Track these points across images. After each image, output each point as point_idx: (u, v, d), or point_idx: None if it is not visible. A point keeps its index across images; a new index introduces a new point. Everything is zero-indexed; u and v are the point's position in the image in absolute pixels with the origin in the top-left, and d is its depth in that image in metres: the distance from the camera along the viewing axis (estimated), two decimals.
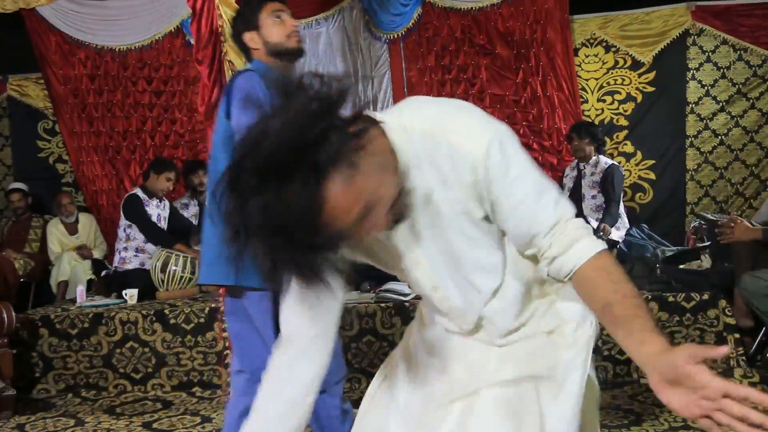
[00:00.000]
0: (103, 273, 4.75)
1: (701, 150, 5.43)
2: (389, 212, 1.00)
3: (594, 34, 5.48)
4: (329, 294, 1.10)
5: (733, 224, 3.21)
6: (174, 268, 4.25)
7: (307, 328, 1.18)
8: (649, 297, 3.45)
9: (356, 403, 1.65)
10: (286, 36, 2.21)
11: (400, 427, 1.28)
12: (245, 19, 2.25)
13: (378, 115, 1.07)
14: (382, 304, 3.64)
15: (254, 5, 2.25)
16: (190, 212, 5.12)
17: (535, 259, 1.17)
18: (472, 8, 5.44)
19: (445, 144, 1.05)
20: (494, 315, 1.22)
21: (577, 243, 1.10)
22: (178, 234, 4.63)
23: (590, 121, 5.32)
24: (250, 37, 2.25)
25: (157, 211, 4.63)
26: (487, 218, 1.13)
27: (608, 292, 1.06)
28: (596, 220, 4.61)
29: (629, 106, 5.48)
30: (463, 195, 1.08)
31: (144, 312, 3.88)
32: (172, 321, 3.83)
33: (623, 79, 5.47)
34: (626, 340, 1.03)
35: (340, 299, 1.19)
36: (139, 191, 4.60)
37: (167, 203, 4.74)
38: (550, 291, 1.27)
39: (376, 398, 1.36)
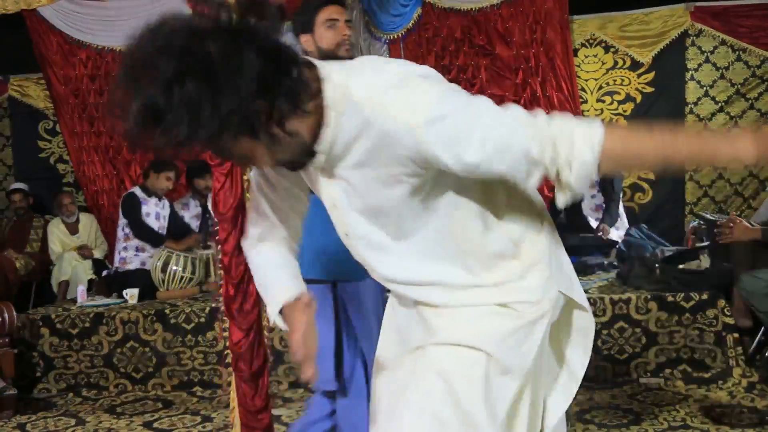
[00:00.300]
0: (104, 273, 4.76)
1: None
2: (275, 154, 1.08)
3: (593, 34, 5.49)
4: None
5: (732, 224, 3.22)
6: (174, 268, 4.26)
7: (271, 216, 1.35)
8: (649, 297, 3.46)
9: None
10: (335, 44, 2.25)
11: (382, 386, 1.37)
12: (302, 21, 2.30)
13: (325, 68, 1.12)
14: None
15: (311, 9, 2.29)
16: (192, 212, 5.12)
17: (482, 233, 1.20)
18: (471, 9, 5.44)
19: (378, 117, 1.06)
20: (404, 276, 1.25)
21: (574, 134, 1.07)
22: (176, 234, 4.64)
23: None
24: (305, 40, 2.31)
25: (156, 210, 4.63)
26: (421, 189, 1.14)
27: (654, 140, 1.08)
28: (596, 219, 4.62)
29: (628, 107, 5.49)
30: (394, 166, 1.10)
31: (145, 312, 3.88)
32: (173, 321, 3.84)
33: (622, 80, 5.48)
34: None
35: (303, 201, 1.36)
36: (137, 190, 4.61)
37: (167, 202, 4.74)
38: (500, 266, 1.25)
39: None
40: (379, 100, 1.06)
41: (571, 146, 1.06)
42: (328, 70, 1.12)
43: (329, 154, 1.13)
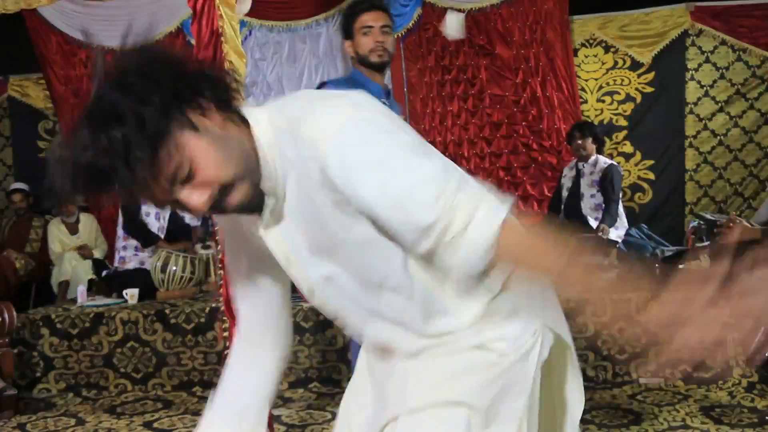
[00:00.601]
0: (104, 273, 4.76)
1: (700, 150, 5.44)
2: (211, 197, 0.96)
3: (593, 34, 5.49)
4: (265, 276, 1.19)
5: (732, 224, 3.22)
6: (174, 268, 4.26)
7: (254, 313, 1.25)
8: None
9: None
10: (369, 50, 2.37)
11: None
12: (344, 28, 2.43)
13: (251, 111, 1.04)
14: None
15: (350, 15, 2.42)
16: None
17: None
18: (471, 9, 5.45)
19: (300, 143, 0.98)
20: (391, 322, 1.12)
21: (477, 212, 0.94)
22: (176, 234, 4.64)
23: (590, 121, 5.34)
24: (347, 45, 2.45)
25: (155, 210, 4.63)
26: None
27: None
28: (595, 219, 4.62)
29: (628, 107, 5.49)
30: (324, 195, 1.00)
31: (145, 312, 3.88)
32: (173, 321, 3.84)
33: (622, 80, 5.48)
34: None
35: (281, 282, 1.23)
36: None
37: None
38: (480, 300, 1.10)
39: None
40: (300, 124, 0.99)
41: (465, 226, 0.93)
42: (253, 111, 1.05)
43: (275, 193, 1.03)
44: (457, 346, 1.09)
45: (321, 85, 2.46)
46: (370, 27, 2.36)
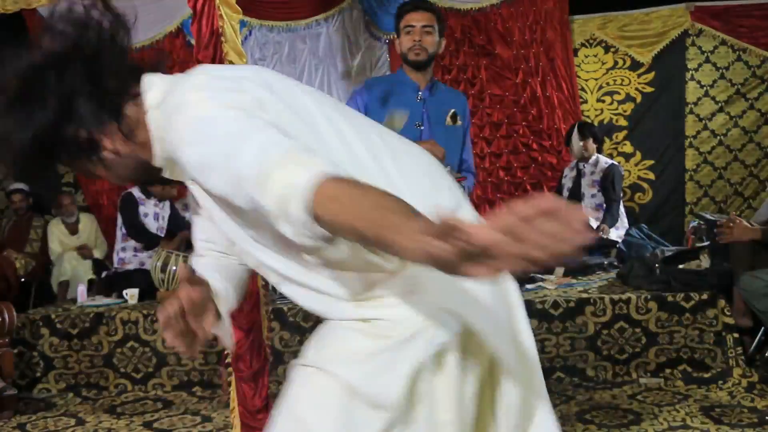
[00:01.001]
0: (104, 273, 4.76)
1: (700, 150, 5.44)
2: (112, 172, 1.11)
3: (593, 34, 5.49)
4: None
5: (732, 224, 3.22)
6: (174, 268, 4.25)
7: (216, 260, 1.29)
8: (649, 297, 3.46)
9: None
10: (408, 48, 2.52)
11: None
12: (394, 27, 2.60)
13: (152, 86, 1.09)
14: None
15: (397, 15, 2.58)
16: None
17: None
18: (471, 9, 5.44)
19: (170, 138, 1.04)
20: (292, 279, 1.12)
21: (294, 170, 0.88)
22: (176, 234, 4.64)
23: (590, 121, 5.34)
24: (396, 43, 2.62)
25: (155, 210, 4.63)
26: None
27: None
28: (596, 219, 4.62)
29: (628, 107, 5.49)
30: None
31: (145, 312, 3.88)
32: None
33: (622, 80, 5.48)
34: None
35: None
36: (136, 190, 4.61)
37: (168, 203, 4.74)
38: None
39: None
40: (170, 122, 1.03)
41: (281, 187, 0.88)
42: (154, 82, 1.09)
43: (171, 168, 1.10)
44: (346, 315, 1.08)
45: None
46: (412, 26, 2.49)
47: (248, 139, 0.93)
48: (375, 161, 1.08)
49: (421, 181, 1.13)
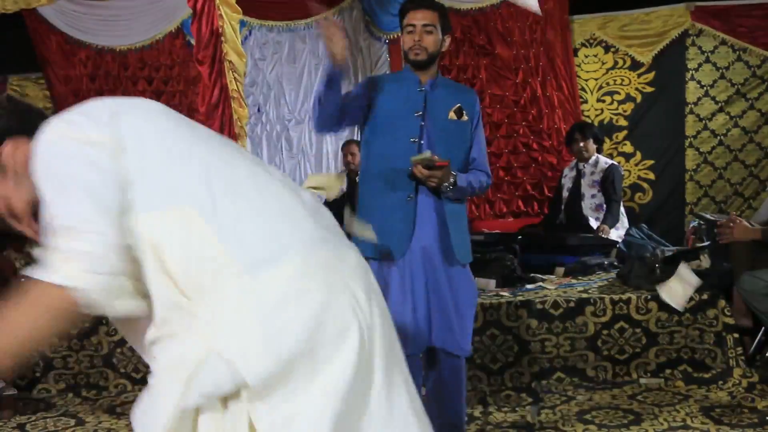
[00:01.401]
0: None
1: (700, 150, 5.44)
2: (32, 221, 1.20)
3: (593, 34, 5.49)
4: None
5: (732, 224, 3.22)
6: None
7: None
8: (649, 297, 3.46)
9: None
10: (408, 48, 2.52)
11: None
12: (399, 25, 2.58)
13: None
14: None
15: (399, 13, 2.58)
16: None
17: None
18: (471, 8, 5.44)
19: None
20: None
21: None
22: None
23: (590, 121, 5.34)
24: (401, 41, 2.61)
25: None
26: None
27: None
28: (596, 220, 4.62)
29: (629, 107, 5.49)
30: None
31: None
32: None
33: (623, 80, 5.48)
34: None
35: None
36: None
37: None
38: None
39: None
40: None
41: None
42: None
43: None
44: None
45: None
46: (413, 26, 2.48)
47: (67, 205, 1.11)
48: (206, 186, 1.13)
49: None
